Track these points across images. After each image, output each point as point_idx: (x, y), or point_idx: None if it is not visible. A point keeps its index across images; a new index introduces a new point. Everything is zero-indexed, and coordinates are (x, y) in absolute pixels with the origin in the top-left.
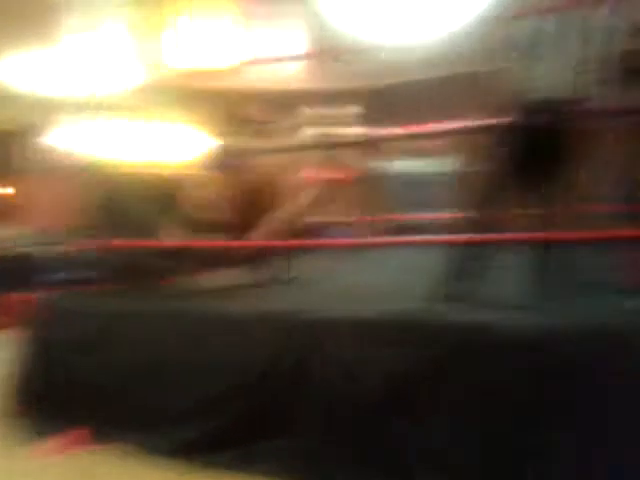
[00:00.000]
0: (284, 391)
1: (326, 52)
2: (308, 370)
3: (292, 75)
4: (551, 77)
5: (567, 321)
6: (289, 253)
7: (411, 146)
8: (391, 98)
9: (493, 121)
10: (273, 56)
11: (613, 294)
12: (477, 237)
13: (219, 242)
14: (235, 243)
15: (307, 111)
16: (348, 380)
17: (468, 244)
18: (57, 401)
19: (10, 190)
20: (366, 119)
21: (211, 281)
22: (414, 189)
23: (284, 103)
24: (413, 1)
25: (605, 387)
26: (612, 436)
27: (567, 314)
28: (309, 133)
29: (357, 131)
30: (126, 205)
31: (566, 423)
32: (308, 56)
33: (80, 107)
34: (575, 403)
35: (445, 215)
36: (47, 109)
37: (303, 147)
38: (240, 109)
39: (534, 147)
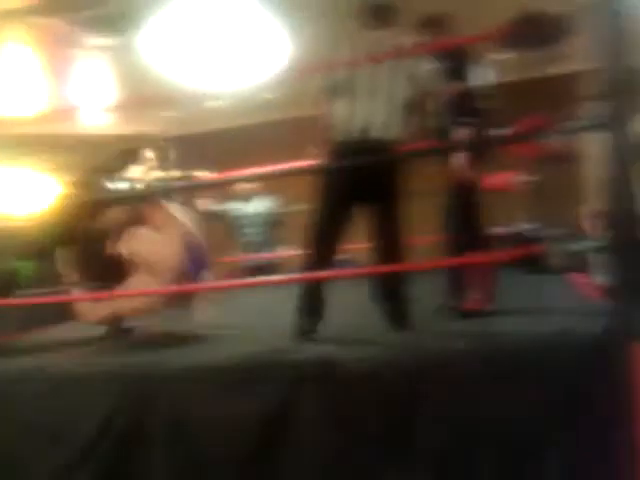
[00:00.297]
0: (135, 448)
1: (140, 98)
2: (154, 426)
3: (105, 120)
4: (367, 119)
5: (407, 351)
6: None
7: (234, 189)
8: (205, 143)
9: (313, 163)
10: (85, 102)
11: (452, 320)
12: (317, 274)
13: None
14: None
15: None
16: (199, 432)
17: (310, 281)
18: None
19: None
20: (179, 164)
21: (47, 337)
22: (247, 229)
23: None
24: (228, 48)
25: (445, 418)
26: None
27: (408, 344)
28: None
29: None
30: None
31: (407, 455)
32: (122, 102)
33: None
34: (415, 433)
35: (286, 254)
36: None
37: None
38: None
39: (355, 185)
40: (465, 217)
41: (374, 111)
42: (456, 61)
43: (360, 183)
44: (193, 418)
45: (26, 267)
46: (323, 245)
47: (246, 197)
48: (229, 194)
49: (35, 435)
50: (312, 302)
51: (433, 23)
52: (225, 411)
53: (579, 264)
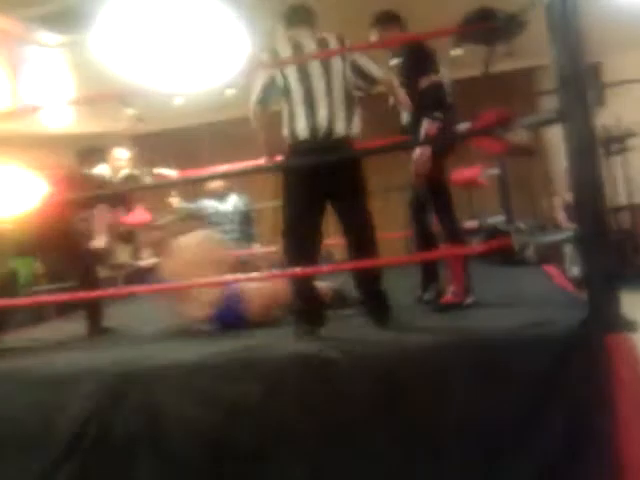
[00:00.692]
0: (115, 447)
1: (99, 96)
2: (130, 423)
3: (64, 118)
4: (329, 115)
5: (386, 346)
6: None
7: (208, 187)
8: (166, 141)
9: (270, 162)
10: (44, 100)
11: (430, 313)
12: (293, 271)
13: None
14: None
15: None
16: (177, 428)
17: (301, 284)
18: None
19: None
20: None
21: (25, 337)
22: (224, 227)
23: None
24: (185, 48)
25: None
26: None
27: (387, 339)
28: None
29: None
30: None
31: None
32: (80, 100)
33: None
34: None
35: (263, 250)
36: None
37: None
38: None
39: (322, 181)
40: (437, 210)
41: (334, 107)
42: (420, 56)
43: (326, 179)
44: (173, 415)
45: (25, 264)
46: (303, 245)
47: (221, 195)
48: (204, 192)
49: (14, 436)
50: (309, 306)
51: (390, 19)
52: (207, 408)
53: (554, 256)
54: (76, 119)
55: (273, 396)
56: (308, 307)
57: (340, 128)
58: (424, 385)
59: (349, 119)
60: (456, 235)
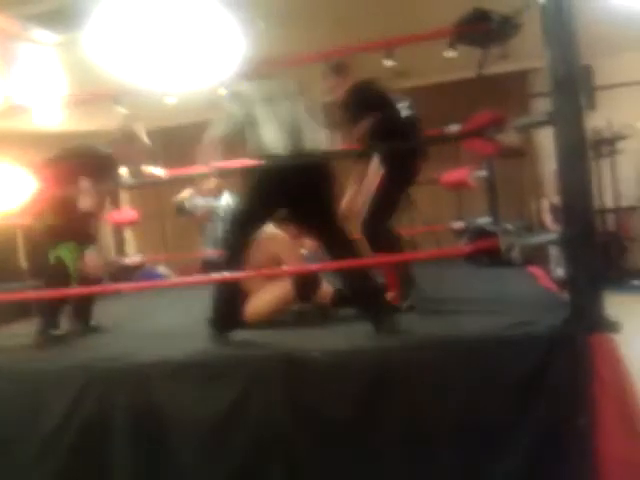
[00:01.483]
0: (98, 442)
1: (92, 94)
2: (115, 420)
3: (57, 116)
4: (287, 130)
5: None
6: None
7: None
8: (158, 140)
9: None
10: (37, 98)
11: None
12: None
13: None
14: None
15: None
16: (161, 426)
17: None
18: None
19: None
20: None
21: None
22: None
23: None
24: (179, 47)
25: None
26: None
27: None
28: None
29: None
30: None
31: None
32: (73, 98)
33: None
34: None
35: None
36: None
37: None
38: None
39: (279, 194)
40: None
41: (300, 122)
42: (362, 96)
43: (294, 192)
44: (157, 411)
45: (68, 249)
46: (244, 244)
47: (216, 194)
48: (200, 191)
49: None
50: (228, 308)
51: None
52: (188, 404)
53: (540, 257)
54: (69, 117)
55: (257, 394)
56: (227, 311)
57: (309, 140)
58: (409, 386)
59: (316, 133)
60: (380, 244)
